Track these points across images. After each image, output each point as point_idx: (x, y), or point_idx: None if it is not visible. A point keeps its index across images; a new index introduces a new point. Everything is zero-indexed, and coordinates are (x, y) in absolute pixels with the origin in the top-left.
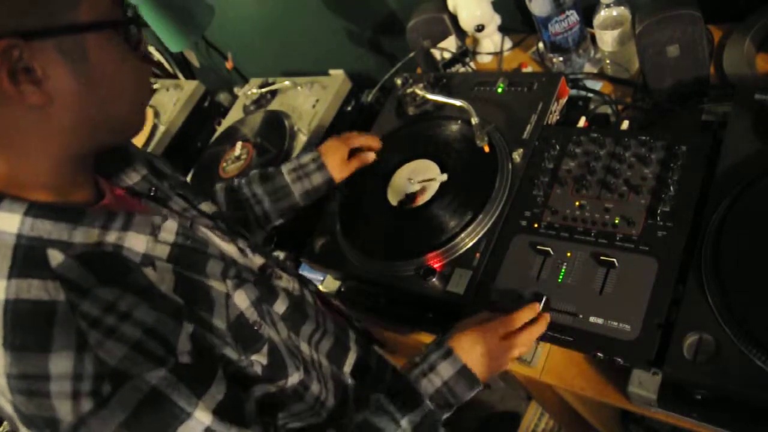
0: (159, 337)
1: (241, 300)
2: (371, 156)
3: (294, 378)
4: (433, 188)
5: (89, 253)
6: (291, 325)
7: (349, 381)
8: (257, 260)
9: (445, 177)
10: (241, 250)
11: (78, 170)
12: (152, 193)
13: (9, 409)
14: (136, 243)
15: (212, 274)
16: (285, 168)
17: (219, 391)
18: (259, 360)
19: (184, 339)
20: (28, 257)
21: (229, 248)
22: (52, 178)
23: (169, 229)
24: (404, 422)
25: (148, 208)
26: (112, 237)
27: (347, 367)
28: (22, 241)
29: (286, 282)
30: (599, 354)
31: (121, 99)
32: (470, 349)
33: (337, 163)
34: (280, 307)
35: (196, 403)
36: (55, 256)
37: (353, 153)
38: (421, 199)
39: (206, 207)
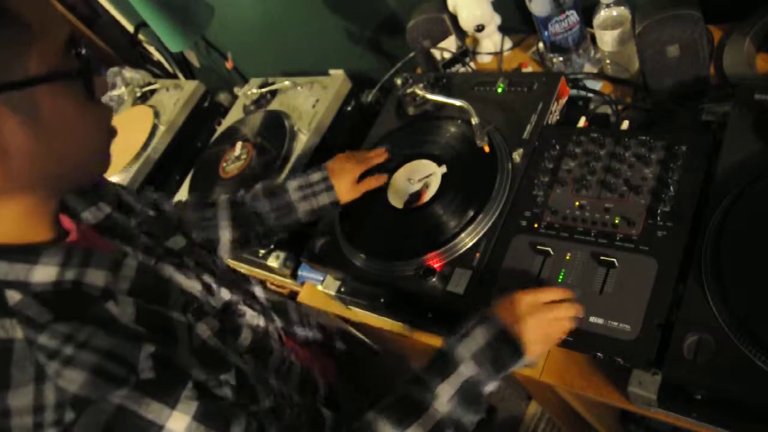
0: (118, 358)
1: (203, 330)
2: (382, 179)
3: (265, 404)
4: (435, 182)
5: (48, 292)
6: (257, 358)
7: (324, 411)
8: (223, 295)
9: (444, 168)
10: (207, 286)
11: (39, 216)
12: (118, 231)
13: None
14: (96, 278)
15: (173, 307)
16: (292, 185)
17: (191, 399)
18: (228, 380)
19: (144, 358)
20: None
21: (194, 285)
22: (12, 226)
23: (131, 266)
24: (440, 390)
25: (112, 246)
26: (71, 274)
27: (319, 399)
28: None
29: (250, 318)
30: (599, 354)
31: (79, 148)
32: (510, 312)
33: (346, 185)
34: (245, 340)
35: (169, 414)
36: (13, 296)
37: (363, 174)
38: (427, 195)
39: (174, 243)
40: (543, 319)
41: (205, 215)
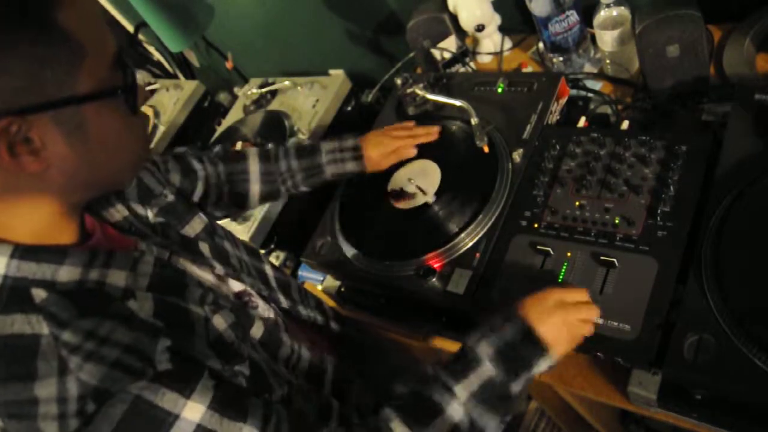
0: (136, 352)
1: (219, 323)
2: (412, 151)
3: (277, 394)
4: (417, 201)
5: (72, 291)
6: (268, 349)
7: (332, 401)
8: (235, 286)
9: (432, 199)
10: (219, 277)
11: (68, 218)
12: (133, 230)
13: None
14: (117, 279)
15: (191, 300)
16: (324, 147)
17: (207, 389)
18: (242, 370)
19: (161, 351)
20: (12, 295)
21: (207, 276)
22: (41, 226)
23: (148, 261)
24: (458, 389)
25: (130, 242)
26: (94, 275)
27: (327, 388)
28: (8, 282)
29: (262, 310)
30: (599, 354)
31: (118, 158)
32: (536, 310)
33: (375, 158)
34: (256, 332)
35: (184, 403)
36: (39, 294)
37: None
38: (402, 204)
39: (191, 229)
40: (569, 319)
41: (236, 169)
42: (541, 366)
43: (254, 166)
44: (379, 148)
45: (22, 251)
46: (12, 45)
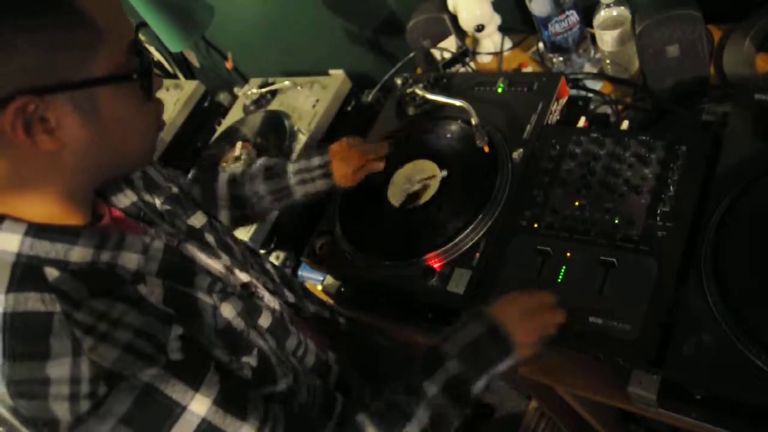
0: (149, 337)
1: (228, 311)
2: (380, 165)
3: (282, 385)
4: (434, 185)
5: (84, 271)
6: (276, 338)
7: (337, 396)
8: (242, 277)
9: (445, 173)
10: (227, 267)
11: (80, 200)
12: (142, 215)
13: (7, 415)
14: (129, 261)
15: (199, 288)
16: (291, 168)
17: (213, 384)
18: (249, 362)
19: (173, 339)
20: (25, 273)
21: (216, 265)
22: (52, 207)
23: (157, 247)
24: (426, 386)
25: (139, 228)
26: (105, 256)
27: (331, 383)
28: (21, 260)
29: (268, 301)
30: (599, 354)
31: (130, 142)
32: (505, 312)
33: (345, 172)
34: (264, 321)
35: (192, 396)
36: (52, 273)
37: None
38: (424, 198)
39: (196, 220)
40: (537, 323)
41: (206, 193)
42: (506, 363)
43: (223, 191)
44: (348, 164)
45: (36, 230)
46: (32, 27)
